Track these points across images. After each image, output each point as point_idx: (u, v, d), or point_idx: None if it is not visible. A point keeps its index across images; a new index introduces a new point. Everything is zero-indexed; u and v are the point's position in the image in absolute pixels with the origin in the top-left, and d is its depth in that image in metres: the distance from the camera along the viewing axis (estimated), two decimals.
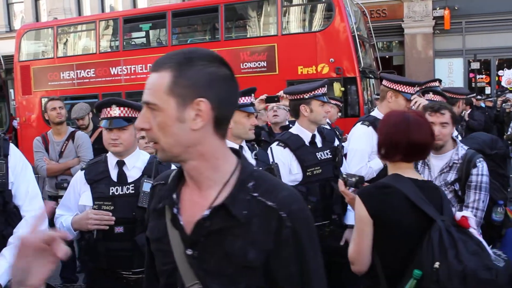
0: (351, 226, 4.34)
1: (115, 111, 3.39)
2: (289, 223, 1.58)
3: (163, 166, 3.38)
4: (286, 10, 14.22)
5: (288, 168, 4.16)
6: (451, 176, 3.93)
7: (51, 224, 3.46)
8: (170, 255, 1.68)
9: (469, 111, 12.21)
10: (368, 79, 14.17)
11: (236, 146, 3.75)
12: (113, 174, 3.42)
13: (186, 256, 1.64)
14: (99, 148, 6.23)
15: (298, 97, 4.29)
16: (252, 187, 1.62)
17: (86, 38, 17.04)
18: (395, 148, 2.73)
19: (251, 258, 1.57)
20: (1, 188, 3.10)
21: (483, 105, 14.24)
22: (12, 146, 3.27)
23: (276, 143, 4.28)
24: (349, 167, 4.47)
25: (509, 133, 11.88)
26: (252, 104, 3.76)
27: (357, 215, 2.75)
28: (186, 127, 1.56)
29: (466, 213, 2.70)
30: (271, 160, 3.95)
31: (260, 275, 1.59)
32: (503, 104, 14.58)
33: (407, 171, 2.78)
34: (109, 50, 16.37)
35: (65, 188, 5.58)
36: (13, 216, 3.20)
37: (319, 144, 4.30)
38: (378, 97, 12.21)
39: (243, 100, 3.70)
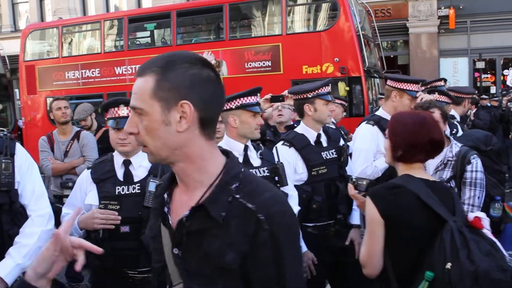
0: (356, 226, 4.34)
1: (123, 111, 3.40)
2: (266, 226, 1.56)
3: (169, 166, 3.38)
4: (291, 10, 14.22)
5: (293, 167, 4.16)
6: (447, 174, 3.93)
7: (58, 223, 3.47)
8: (161, 253, 1.73)
9: (474, 110, 12.18)
10: (373, 79, 14.15)
11: (242, 146, 3.76)
12: (119, 173, 3.43)
13: (173, 255, 1.68)
14: (102, 147, 6.26)
15: (302, 96, 4.29)
16: (235, 188, 1.62)
17: (91, 38, 17.07)
18: (416, 148, 2.71)
19: (228, 260, 1.57)
20: (7, 187, 3.11)
21: (489, 104, 14.20)
22: (18, 146, 3.28)
23: (281, 142, 4.28)
24: (354, 166, 4.47)
25: None
26: (258, 104, 3.76)
27: (368, 217, 2.71)
28: (172, 129, 1.58)
29: (479, 213, 2.66)
30: (276, 159, 3.95)
31: (238, 276, 1.58)
32: (508, 104, 14.53)
33: (418, 171, 2.77)
34: (114, 49, 16.40)
35: (70, 188, 5.62)
36: (19, 215, 3.21)
37: (325, 144, 4.30)
38: (382, 96, 12.25)
39: (249, 99, 3.70)
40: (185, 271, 1.64)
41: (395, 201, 2.64)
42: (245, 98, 3.70)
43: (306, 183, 4.17)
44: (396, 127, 2.82)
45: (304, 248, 4.07)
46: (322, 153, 4.23)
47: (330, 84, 4.34)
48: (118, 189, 3.36)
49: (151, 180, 3.31)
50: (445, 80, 7.49)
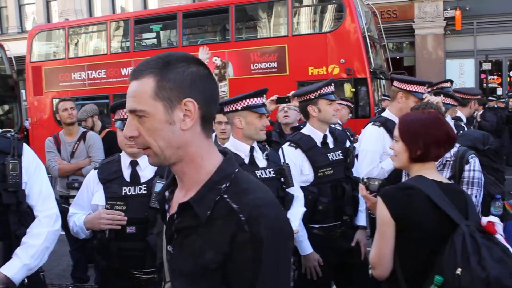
0: (362, 227, 4.34)
1: None
2: (247, 228, 1.52)
3: None
4: (297, 11, 14.22)
5: (300, 168, 4.15)
6: (446, 174, 3.92)
7: (64, 223, 3.48)
8: (161, 251, 1.77)
9: (481, 111, 12.15)
10: (378, 80, 14.14)
11: (248, 147, 3.76)
12: (126, 174, 3.43)
13: (167, 252, 1.71)
14: (105, 148, 6.29)
15: (305, 98, 4.29)
16: (225, 188, 1.61)
17: (97, 39, 17.13)
18: (436, 143, 2.70)
19: (207, 259, 1.55)
20: (14, 188, 3.11)
21: (496, 106, 14.16)
22: (25, 146, 3.29)
23: (287, 143, 4.28)
24: (360, 168, 4.46)
25: None
26: (264, 105, 3.76)
27: (379, 218, 2.67)
28: (176, 128, 1.59)
29: (493, 218, 2.61)
30: (282, 160, 3.95)
31: (219, 278, 1.56)
32: None
33: (431, 172, 2.75)
34: (120, 51, 16.44)
35: (76, 188, 5.64)
36: (26, 216, 3.21)
37: (331, 145, 4.29)
38: (385, 98, 12.24)
39: (254, 101, 3.70)
40: (173, 269, 1.66)
41: (407, 202, 2.60)
42: (251, 100, 3.70)
43: (312, 184, 4.16)
44: (411, 127, 2.78)
45: (310, 249, 4.08)
46: (328, 154, 4.22)
47: (332, 84, 4.32)
48: (125, 189, 3.37)
49: (158, 181, 3.31)
50: (451, 82, 7.48)
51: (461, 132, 5.41)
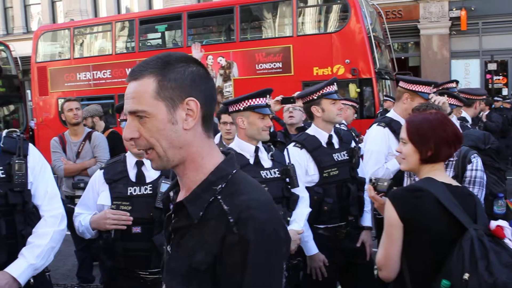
0: (368, 228, 4.33)
1: None
2: (236, 230, 1.49)
3: None
4: (302, 11, 14.22)
5: (305, 169, 4.14)
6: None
7: (70, 223, 3.49)
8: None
9: (487, 112, 12.11)
10: (383, 80, 14.12)
11: (252, 147, 3.76)
12: (132, 174, 3.44)
13: (166, 252, 1.71)
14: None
15: (308, 99, 4.28)
16: (220, 188, 1.59)
17: (102, 39, 17.18)
18: (446, 143, 2.69)
19: (198, 260, 1.53)
20: (20, 188, 3.12)
21: (502, 107, 14.11)
22: (31, 147, 3.29)
23: (292, 144, 4.27)
24: (365, 168, 4.46)
25: None
26: (267, 106, 3.75)
27: (387, 219, 2.65)
28: (178, 128, 1.58)
29: (501, 222, 2.58)
30: (287, 161, 3.95)
31: (209, 279, 1.53)
32: None
33: (440, 173, 2.74)
34: (125, 51, 16.48)
35: (82, 188, 5.65)
36: (32, 216, 3.22)
37: (336, 145, 4.28)
38: (387, 98, 12.21)
39: (257, 101, 3.69)
40: (170, 269, 1.65)
41: (416, 205, 2.58)
42: (254, 100, 3.69)
43: (318, 184, 4.15)
44: (420, 128, 2.75)
45: (315, 249, 4.07)
46: (334, 155, 4.21)
47: (335, 83, 4.30)
48: (130, 189, 3.37)
49: (163, 181, 3.32)
50: (457, 82, 7.46)
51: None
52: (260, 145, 3.82)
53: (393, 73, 14.73)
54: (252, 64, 13.95)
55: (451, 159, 3.91)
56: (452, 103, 5.61)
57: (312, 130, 4.33)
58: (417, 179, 3.83)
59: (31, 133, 18.74)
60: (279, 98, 5.25)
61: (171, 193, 1.78)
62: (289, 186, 3.82)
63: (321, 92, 4.21)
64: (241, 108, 3.71)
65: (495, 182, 4.58)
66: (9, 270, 2.98)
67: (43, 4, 26.70)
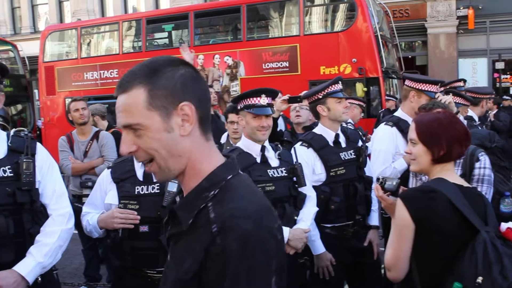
0: (375, 227, 4.33)
1: None
2: (219, 240, 1.41)
3: None
4: (308, 10, 14.21)
5: (312, 168, 4.14)
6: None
7: (77, 222, 3.49)
8: None
9: (495, 111, 12.05)
10: (391, 80, 14.09)
11: (258, 146, 3.76)
12: (139, 173, 3.43)
13: (167, 260, 1.67)
14: None
15: (314, 98, 4.28)
16: (212, 195, 1.52)
17: (109, 39, 17.23)
18: (458, 141, 2.68)
19: (185, 268, 1.48)
20: (28, 186, 3.13)
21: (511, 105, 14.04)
22: (39, 146, 3.30)
23: (299, 143, 4.27)
24: (373, 167, 4.45)
25: None
26: (267, 105, 3.71)
27: (398, 219, 2.62)
28: (176, 135, 1.53)
29: (511, 224, 2.57)
30: (294, 160, 3.95)
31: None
32: None
33: (451, 173, 2.72)
34: (132, 50, 16.52)
35: (89, 187, 5.67)
36: (40, 214, 3.23)
37: (343, 144, 4.28)
38: (389, 98, 12.17)
39: (250, 101, 3.70)
40: (166, 275, 1.61)
41: (429, 206, 2.55)
42: (248, 99, 3.71)
43: (325, 183, 4.15)
44: (430, 127, 2.73)
45: (322, 248, 4.07)
46: (341, 153, 4.21)
47: (339, 82, 4.29)
48: (138, 188, 3.37)
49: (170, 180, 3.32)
50: (464, 81, 7.43)
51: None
52: (267, 144, 3.83)
53: (400, 72, 14.68)
54: (259, 63, 13.95)
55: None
56: (458, 102, 5.59)
57: (318, 129, 4.33)
58: (423, 178, 3.83)
59: (38, 132, 18.80)
60: (286, 97, 5.25)
61: (177, 198, 1.73)
62: (296, 185, 3.83)
63: (326, 91, 4.21)
64: (239, 107, 3.74)
65: (501, 181, 4.57)
66: (17, 269, 2.99)
67: (51, 4, 26.78)
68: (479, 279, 2.34)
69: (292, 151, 4.05)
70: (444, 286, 2.46)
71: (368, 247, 4.27)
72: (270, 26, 15.26)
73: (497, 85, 18.70)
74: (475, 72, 19.74)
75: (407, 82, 4.63)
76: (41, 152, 3.28)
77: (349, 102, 6.52)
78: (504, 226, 2.54)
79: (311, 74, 13.16)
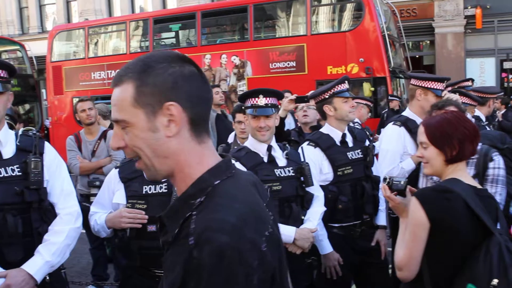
0: (383, 227, 4.32)
1: None
2: (195, 254, 1.31)
3: None
4: (315, 10, 14.19)
5: (319, 167, 4.14)
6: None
7: (85, 221, 3.51)
8: None
9: (503, 111, 12.00)
10: (398, 79, 14.05)
11: (265, 146, 3.77)
12: None
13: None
14: None
15: (320, 98, 4.28)
16: (198, 203, 1.43)
17: (117, 39, 17.27)
18: (469, 140, 2.66)
19: (171, 280, 1.38)
20: (36, 185, 3.14)
21: None
22: (47, 145, 3.32)
23: (307, 142, 4.27)
24: (380, 167, 4.44)
25: None
26: (265, 106, 3.70)
27: (413, 219, 2.60)
28: (160, 136, 1.46)
29: None
30: (302, 159, 3.95)
31: None
32: None
33: (464, 175, 2.70)
34: (139, 50, 16.54)
35: (97, 187, 5.69)
36: (48, 213, 3.24)
37: (350, 144, 4.28)
38: (393, 98, 12.14)
39: (250, 101, 3.72)
40: (161, 282, 1.55)
41: (445, 206, 2.54)
42: (247, 100, 3.74)
43: (332, 183, 4.15)
44: (440, 128, 2.71)
45: (330, 248, 4.07)
46: (348, 153, 4.21)
47: (346, 81, 4.29)
48: (145, 188, 3.38)
49: None
50: (472, 81, 7.41)
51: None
52: (273, 143, 3.83)
53: (408, 72, 14.64)
54: (266, 63, 13.95)
55: (472, 157, 3.88)
56: (465, 101, 5.57)
57: (325, 129, 4.32)
58: (434, 177, 3.81)
59: (46, 132, 18.88)
60: (293, 97, 5.25)
61: None
62: (304, 185, 3.82)
63: (332, 90, 4.21)
64: (243, 107, 3.78)
65: (511, 183, 4.54)
66: (25, 267, 3.00)
67: (58, 4, 26.86)
68: (495, 281, 2.32)
69: (300, 151, 4.04)
70: (456, 287, 2.45)
71: (376, 247, 4.26)
72: (277, 25, 15.26)
73: (505, 84, 18.60)
74: (483, 72, 19.66)
75: (412, 81, 4.62)
76: (49, 151, 3.30)
77: (356, 102, 6.51)
78: None
79: (318, 74, 13.14)
